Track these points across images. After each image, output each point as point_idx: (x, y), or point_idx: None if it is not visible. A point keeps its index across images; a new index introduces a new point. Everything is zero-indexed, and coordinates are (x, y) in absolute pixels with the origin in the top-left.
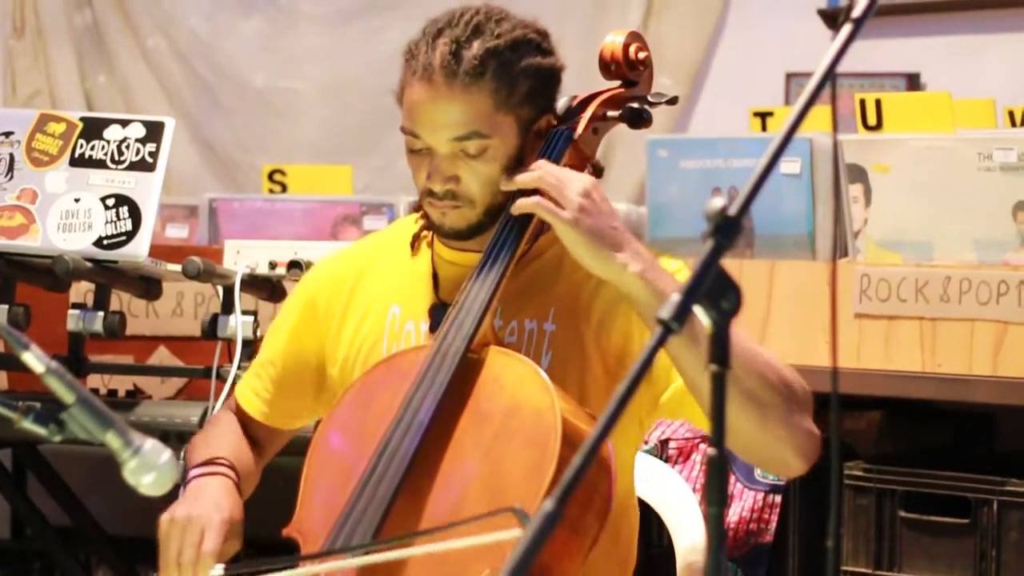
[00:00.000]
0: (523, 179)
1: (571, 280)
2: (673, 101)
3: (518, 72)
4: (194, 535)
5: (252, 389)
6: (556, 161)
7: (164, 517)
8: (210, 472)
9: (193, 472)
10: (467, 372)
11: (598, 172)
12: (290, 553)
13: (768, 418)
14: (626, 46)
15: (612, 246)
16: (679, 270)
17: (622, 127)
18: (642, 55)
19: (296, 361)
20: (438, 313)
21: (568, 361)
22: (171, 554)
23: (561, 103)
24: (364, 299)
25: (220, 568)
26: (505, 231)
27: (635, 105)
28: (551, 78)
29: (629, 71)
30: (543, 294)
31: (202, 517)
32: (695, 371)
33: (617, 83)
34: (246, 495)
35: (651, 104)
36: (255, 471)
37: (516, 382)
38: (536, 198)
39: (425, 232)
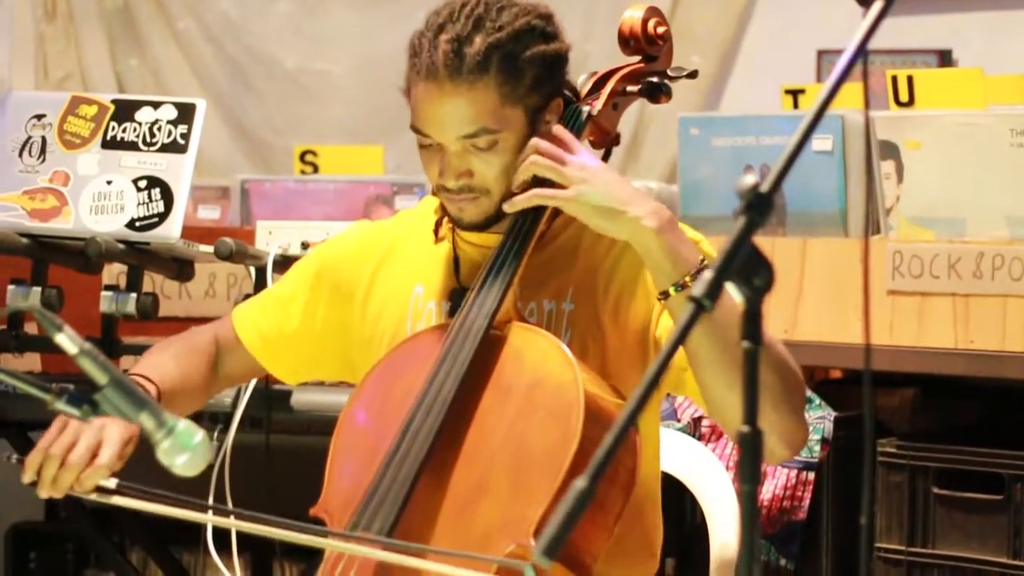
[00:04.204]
0: (518, 177)
1: (589, 260)
2: (693, 75)
3: (523, 63)
4: (92, 438)
5: (252, 320)
6: (577, 137)
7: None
8: None
9: None
10: (490, 348)
11: (615, 141)
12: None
13: (760, 399)
14: (644, 21)
15: (621, 203)
16: (699, 242)
17: (655, 103)
18: (661, 30)
19: (318, 329)
20: (457, 298)
21: (588, 339)
22: (61, 443)
23: (581, 79)
24: (391, 276)
25: (114, 482)
26: (524, 212)
27: (654, 79)
28: (557, 63)
29: (648, 46)
30: (561, 275)
31: (107, 427)
32: (698, 342)
33: (637, 58)
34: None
35: (671, 78)
36: (199, 394)
37: (538, 356)
38: (532, 191)
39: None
